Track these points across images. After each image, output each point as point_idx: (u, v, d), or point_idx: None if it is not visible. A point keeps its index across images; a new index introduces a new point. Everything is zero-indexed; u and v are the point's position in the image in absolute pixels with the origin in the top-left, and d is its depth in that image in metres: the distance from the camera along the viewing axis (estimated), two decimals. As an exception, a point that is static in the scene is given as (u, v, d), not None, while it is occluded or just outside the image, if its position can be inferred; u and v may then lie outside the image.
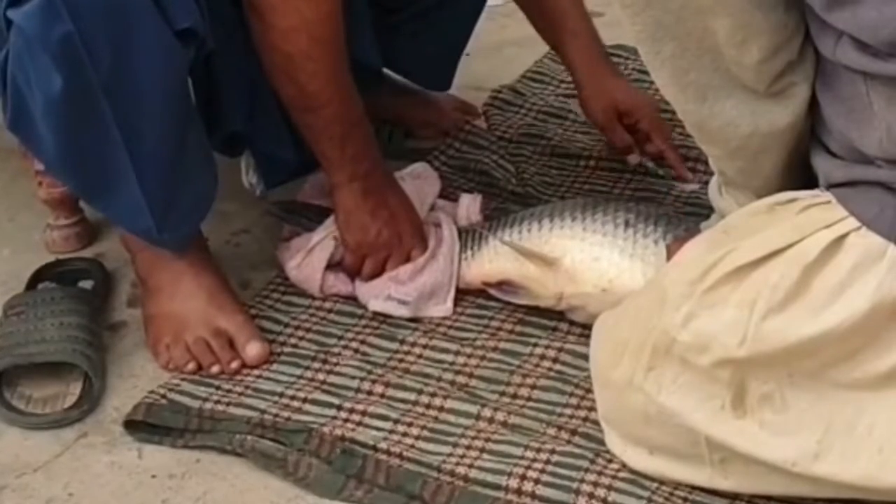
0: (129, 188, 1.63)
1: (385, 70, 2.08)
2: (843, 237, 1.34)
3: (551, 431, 1.56)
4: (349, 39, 1.77)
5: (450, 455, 1.53)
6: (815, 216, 1.37)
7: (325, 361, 1.68)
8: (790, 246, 1.36)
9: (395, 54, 2.02)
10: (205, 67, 1.71)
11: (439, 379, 1.65)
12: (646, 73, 1.48)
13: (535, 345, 1.69)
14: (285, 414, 1.59)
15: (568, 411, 1.59)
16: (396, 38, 1.99)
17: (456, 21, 2.06)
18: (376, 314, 1.76)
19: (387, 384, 1.64)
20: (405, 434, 1.56)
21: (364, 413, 1.59)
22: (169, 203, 1.66)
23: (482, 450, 1.53)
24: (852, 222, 1.34)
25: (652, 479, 1.48)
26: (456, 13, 2.04)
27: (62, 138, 1.59)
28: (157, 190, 1.64)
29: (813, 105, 1.42)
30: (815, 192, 1.41)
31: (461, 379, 1.65)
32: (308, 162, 1.85)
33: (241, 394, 1.63)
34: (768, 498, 1.44)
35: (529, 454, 1.52)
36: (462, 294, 1.78)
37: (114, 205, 1.68)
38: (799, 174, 1.46)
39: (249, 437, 1.56)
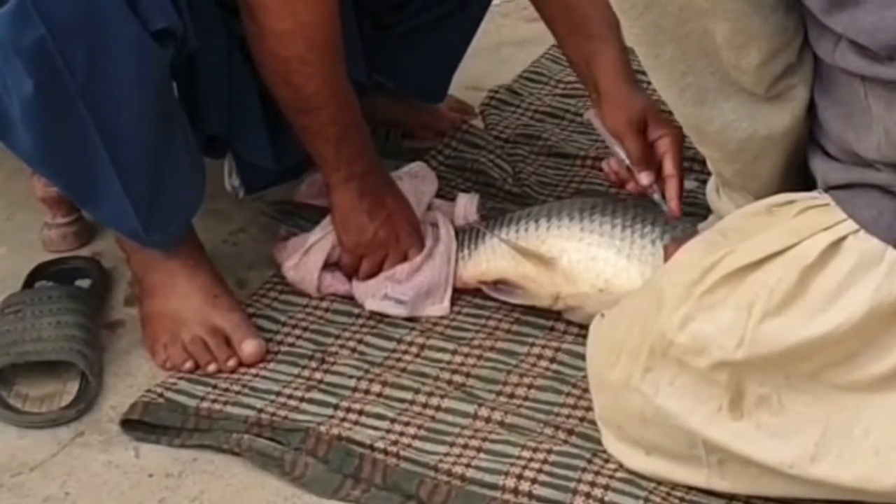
0: (112, 190, 1.63)
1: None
2: (841, 240, 1.35)
3: (548, 431, 1.56)
4: None
5: (447, 454, 1.53)
6: (813, 218, 1.37)
7: (322, 360, 1.68)
8: (788, 248, 1.36)
9: (387, 67, 2.01)
10: (187, 68, 1.71)
11: (436, 378, 1.65)
12: (643, 73, 1.48)
13: (532, 344, 1.69)
14: (282, 413, 1.59)
15: (565, 411, 1.59)
16: (388, 52, 1.99)
17: (453, 35, 2.05)
18: (373, 313, 1.76)
19: (384, 383, 1.64)
20: (402, 433, 1.56)
21: (361, 412, 1.59)
22: (154, 203, 1.66)
23: (479, 449, 1.54)
24: (850, 225, 1.35)
25: (649, 480, 1.48)
26: (453, 28, 2.04)
27: (41, 142, 1.59)
28: (141, 191, 1.64)
29: (811, 108, 1.42)
30: (813, 194, 1.41)
31: (458, 378, 1.65)
32: (288, 169, 1.85)
33: (238, 393, 1.63)
34: (765, 499, 1.44)
35: (526, 454, 1.52)
36: (459, 293, 1.78)
37: (100, 206, 1.68)
38: (797, 176, 1.47)
39: (246, 436, 1.56)
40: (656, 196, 1.77)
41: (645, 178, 1.74)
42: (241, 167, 1.85)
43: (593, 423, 1.54)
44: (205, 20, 1.66)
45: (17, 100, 1.56)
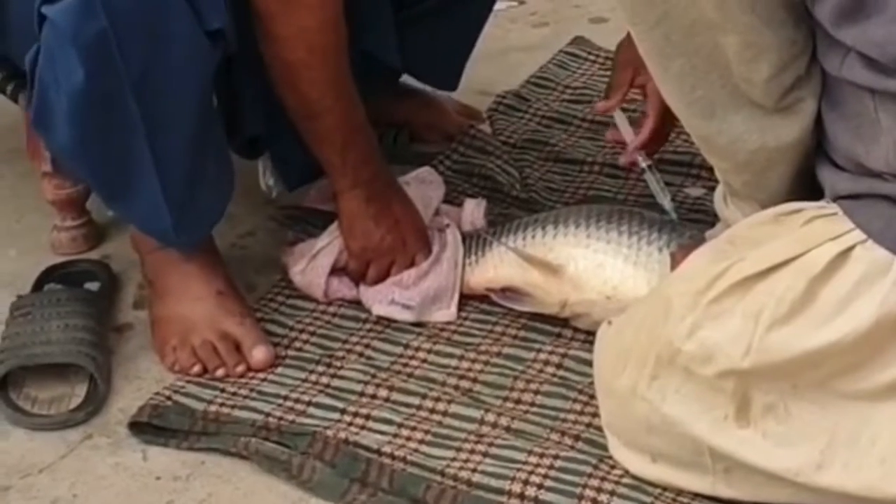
0: (149, 187, 1.63)
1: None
2: (848, 250, 1.35)
3: (554, 437, 1.56)
4: (367, 35, 1.77)
5: (453, 459, 1.54)
6: (821, 228, 1.37)
7: (329, 365, 1.69)
8: (796, 258, 1.36)
9: (403, 52, 2.02)
10: (225, 70, 1.71)
11: (443, 383, 1.65)
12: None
13: (539, 350, 1.69)
14: (290, 417, 1.60)
15: (571, 417, 1.59)
16: (405, 35, 1.99)
17: (465, 20, 2.05)
18: (380, 318, 1.76)
19: (391, 388, 1.64)
20: (409, 438, 1.57)
21: (368, 417, 1.60)
22: (187, 203, 1.67)
23: (485, 454, 1.54)
24: (858, 235, 1.35)
25: (654, 486, 1.48)
26: (465, 12, 2.04)
27: (84, 135, 1.60)
28: (178, 190, 1.65)
29: (819, 119, 1.42)
30: (821, 203, 1.41)
31: (465, 384, 1.66)
32: None
33: (245, 396, 1.64)
34: (771, 507, 1.45)
35: (533, 459, 1.52)
36: (466, 299, 1.79)
37: (132, 204, 1.68)
38: (805, 185, 1.47)
39: (254, 440, 1.56)
40: (666, 203, 1.78)
41: (623, 160, 1.85)
42: (279, 165, 1.86)
43: (599, 429, 1.55)
44: (240, 21, 1.66)
45: (66, 91, 1.56)
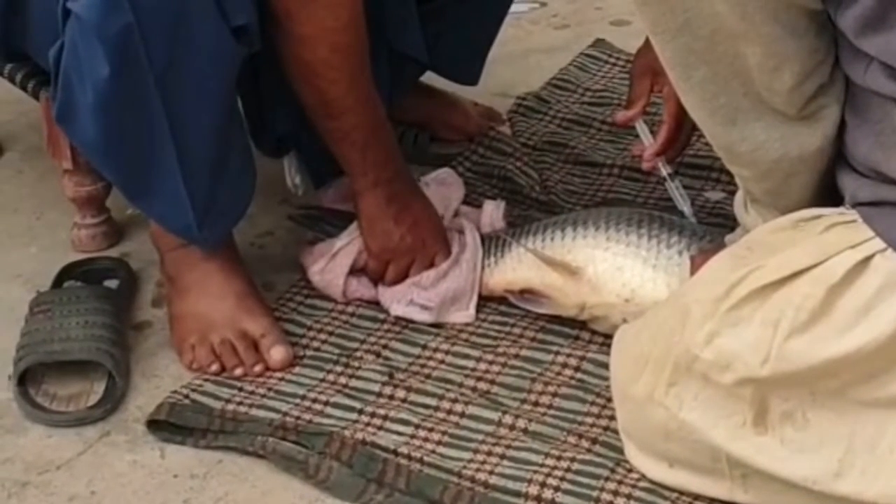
0: (172, 183, 1.64)
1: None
2: (868, 259, 1.34)
3: (572, 439, 1.56)
4: (393, 32, 1.76)
5: (470, 461, 1.54)
6: (841, 235, 1.37)
7: (347, 365, 1.69)
8: (815, 265, 1.36)
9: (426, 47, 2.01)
10: (251, 69, 1.72)
11: (461, 385, 1.66)
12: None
13: (557, 353, 1.69)
14: (307, 417, 1.60)
15: (589, 420, 1.59)
16: (425, 29, 1.98)
17: (486, 11, 2.05)
18: (399, 319, 1.76)
19: (408, 389, 1.65)
20: (426, 439, 1.57)
21: (385, 417, 1.60)
22: (210, 200, 1.67)
23: (503, 456, 1.54)
24: (878, 243, 1.34)
25: (671, 491, 1.48)
26: (486, 4, 2.04)
27: (108, 131, 1.60)
28: (201, 186, 1.65)
29: (840, 126, 1.42)
30: (841, 209, 1.41)
31: (482, 385, 1.66)
32: None
33: (263, 396, 1.64)
34: (788, 513, 1.45)
35: (550, 462, 1.52)
36: (484, 301, 1.79)
37: (155, 200, 1.68)
38: (826, 191, 1.46)
39: (271, 439, 1.57)
40: (686, 209, 1.78)
41: (619, 118, 1.85)
42: (310, 161, 1.87)
43: (617, 432, 1.54)
44: (267, 19, 1.66)
45: (91, 86, 1.57)
